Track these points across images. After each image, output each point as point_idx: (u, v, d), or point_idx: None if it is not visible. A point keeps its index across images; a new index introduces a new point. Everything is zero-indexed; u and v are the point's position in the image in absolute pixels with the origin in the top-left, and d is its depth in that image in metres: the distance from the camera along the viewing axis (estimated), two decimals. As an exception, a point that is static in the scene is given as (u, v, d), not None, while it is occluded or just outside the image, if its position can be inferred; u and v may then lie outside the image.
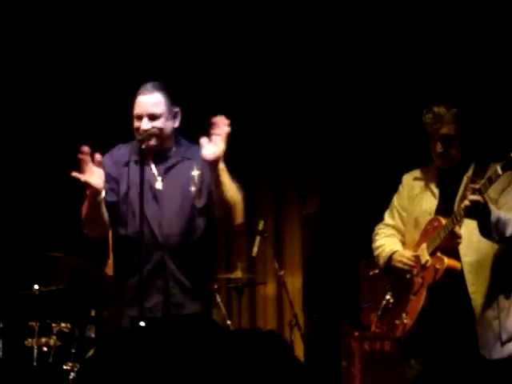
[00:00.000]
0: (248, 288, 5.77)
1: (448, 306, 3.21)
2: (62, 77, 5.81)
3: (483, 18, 4.87)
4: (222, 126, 3.20)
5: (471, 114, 3.34)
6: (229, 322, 5.16)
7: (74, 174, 3.04)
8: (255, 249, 5.25)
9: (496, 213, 3.05)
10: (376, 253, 3.51)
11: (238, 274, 5.28)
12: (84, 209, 3.21)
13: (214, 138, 3.16)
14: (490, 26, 4.85)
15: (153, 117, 3.23)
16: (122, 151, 3.36)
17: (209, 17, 5.70)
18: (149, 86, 3.28)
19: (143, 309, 2.98)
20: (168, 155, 3.32)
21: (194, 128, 3.25)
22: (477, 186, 3.03)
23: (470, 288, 3.15)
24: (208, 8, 5.65)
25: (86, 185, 3.06)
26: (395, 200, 3.53)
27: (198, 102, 5.92)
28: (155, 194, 3.26)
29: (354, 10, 5.41)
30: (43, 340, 4.28)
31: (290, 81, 5.83)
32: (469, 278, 3.15)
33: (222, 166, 3.21)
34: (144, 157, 3.10)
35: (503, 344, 3.14)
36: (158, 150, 3.27)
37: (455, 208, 3.21)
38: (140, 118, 3.24)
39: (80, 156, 3.07)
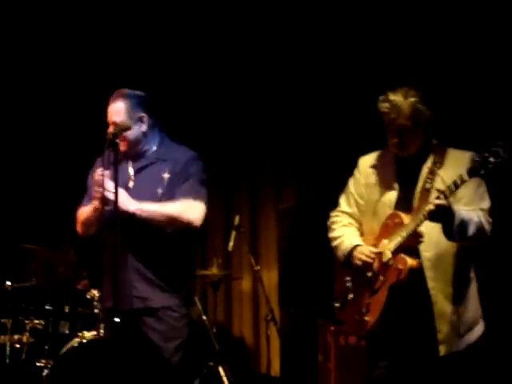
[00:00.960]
0: (224, 283, 5.74)
1: (408, 302, 3.19)
2: (54, 77, 5.79)
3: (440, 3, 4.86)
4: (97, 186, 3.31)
5: (430, 100, 3.22)
6: (204, 318, 5.13)
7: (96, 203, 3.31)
8: (231, 244, 5.24)
9: (459, 215, 3.03)
10: (334, 244, 3.44)
11: (214, 270, 5.25)
12: (86, 213, 3.43)
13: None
14: (449, 10, 4.82)
15: (115, 124, 3.38)
16: (108, 152, 3.52)
17: (191, 13, 5.69)
18: (115, 94, 3.45)
19: (116, 301, 3.16)
20: (145, 156, 3.47)
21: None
22: (442, 189, 2.99)
23: (430, 283, 3.13)
24: (194, 5, 5.64)
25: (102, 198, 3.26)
26: (351, 186, 3.45)
27: (176, 101, 5.94)
28: (129, 193, 3.39)
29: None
30: (16, 337, 4.25)
31: (264, 75, 5.80)
32: (428, 273, 3.14)
33: (132, 210, 3.32)
34: (116, 159, 3.24)
35: (461, 336, 3.16)
36: (136, 152, 3.46)
37: (415, 203, 3.17)
38: (108, 125, 3.44)
39: (97, 176, 3.27)
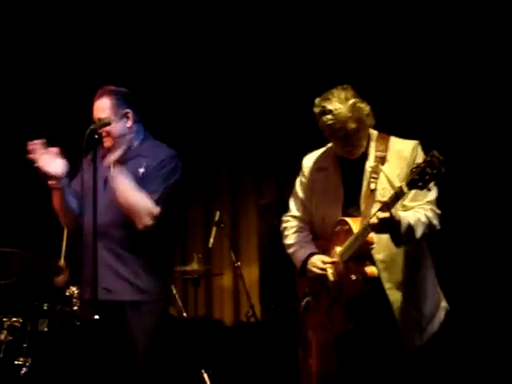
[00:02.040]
0: (204, 279, 5.73)
1: (368, 304, 3.17)
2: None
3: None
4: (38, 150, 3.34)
5: (361, 95, 3.12)
6: (185, 314, 5.11)
7: (31, 156, 3.30)
8: (211, 240, 5.22)
9: (405, 221, 2.99)
10: (288, 251, 3.41)
11: (194, 266, 5.23)
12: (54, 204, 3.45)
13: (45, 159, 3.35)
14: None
15: (100, 120, 3.42)
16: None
17: (181, 10, 5.67)
18: (100, 90, 3.50)
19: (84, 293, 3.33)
20: (127, 152, 3.46)
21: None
22: (384, 200, 2.94)
23: (386, 285, 3.12)
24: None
25: (46, 174, 3.30)
26: (298, 189, 3.41)
27: (158, 99, 5.91)
28: (106, 186, 3.44)
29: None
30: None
31: (244, 72, 5.80)
32: (383, 275, 3.12)
33: (113, 171, 3.36)
34: (94, 154, 3.28)
35: (423, 330, 3.16)
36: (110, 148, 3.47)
37: (362, 206, 3.14)
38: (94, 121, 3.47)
39: (30, 146, 3.29)
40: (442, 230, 3.15)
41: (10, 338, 4.23)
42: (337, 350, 3.34)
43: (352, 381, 3.27)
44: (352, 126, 3.06)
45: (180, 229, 6.10)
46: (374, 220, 2.95)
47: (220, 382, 5.22)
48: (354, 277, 3.10)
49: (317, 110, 3.12)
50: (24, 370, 4.05)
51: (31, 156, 3.30)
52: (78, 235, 3.51)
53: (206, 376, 4.93)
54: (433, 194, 3.12)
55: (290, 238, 3.41)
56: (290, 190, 5.72)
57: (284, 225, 3.48)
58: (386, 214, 2.92)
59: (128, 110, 3.50)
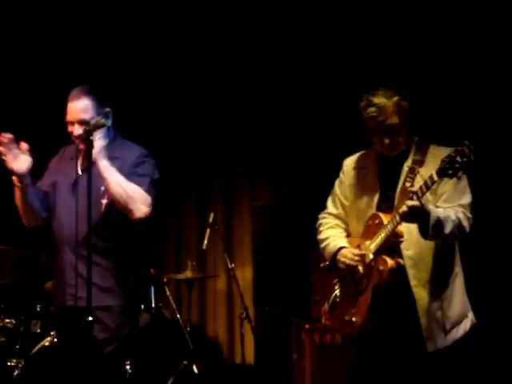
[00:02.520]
0: (198, 281, 5.73)
1: (393, 301, 3.21)
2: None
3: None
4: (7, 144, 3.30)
5: (408, 97, 3.25)
6: (178, 316, 5.11)
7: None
8: (205, 241, 5.21)
9: (435, 214, 3.05)
10: (321, 246, 3.47)
11: (188, 273, 5.22)
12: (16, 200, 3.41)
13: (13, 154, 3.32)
14: (422, 6, 4.88)
15: (83, 122, 3.32)
16: (68, 147, 3.57)
17: (170, 10, 5.66)
18: (76, 91, 3.39)
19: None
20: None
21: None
22: (414, 190, 3.01)
23: (412, 282, 3.16)
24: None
25: (10, 169, 3.27)
26: (337, 188, 3.49)
27: (153, 100, 5.90)
28: (75, 190, 3.37)
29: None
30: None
31: (239, 75, 5.79)
32: (410, 272, 3.16)
33: (102, 163, 3.29)
34: (90, 157, 3.18)
35: (447, 333, 3.19)
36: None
37: (395, 202, 3.19)
38: (71, 123, 3.38)
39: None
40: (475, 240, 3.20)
41: (3, 339, 4.22)
42: (356, 347, 3.37)
43: (370, 377, 3.28)
44: (394, 120, 3.18)
45: (174, 231, 6.16)
46: (403, 208, 3.00)
47: (214, 382, 5.23)
48: (381, 267, 3.15)
49: (363, 103, 3.26)
50: (17, 371, 4.04)
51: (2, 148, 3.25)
52: (48, 238, 3.47)
53: (194, 367, 4.94)
54: (467, 199, 3.20)
55: (324, 234, 3.47)
56: (284, 192, 5.80)
57: (320, 221, 3.54)
58: (416, 202, 2.99)
59: (109, 109, 3.43)
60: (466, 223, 3.15)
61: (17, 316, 4.24)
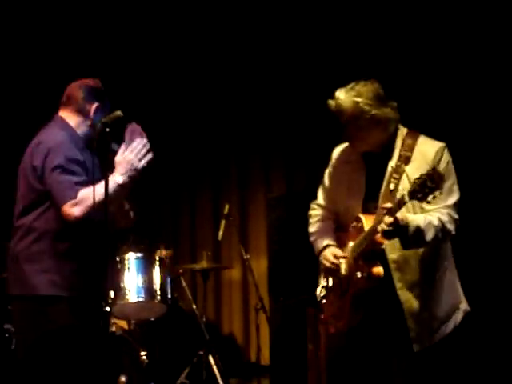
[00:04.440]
0: (213, 272, 5.74)
1: (378, 303, 3.19)
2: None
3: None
4: None
5: (390, 93, 3.14)
6: (194, 307, 5.13)
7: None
8: (220, 232, 5.23)
9: (414, 224, 3.00)
10: (310, 239, 3.48)
11: (204, 264, 5.23)
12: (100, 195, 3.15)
13: None
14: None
15: None
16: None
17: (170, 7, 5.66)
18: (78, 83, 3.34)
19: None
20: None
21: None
22: (387, 206, 2.95)
23: (397, 284, 3.13)
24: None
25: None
26: (326, 180, 3.44)
27: (167, 92, 5.91)
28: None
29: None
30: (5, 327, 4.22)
31: (252, 66, 5.80)
32: (395, 274, 3.13)
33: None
34: (107, 148, 3.15)
35: (435, 332, 3.16)
36: None
37: (380, 204, 3.13)
38: None
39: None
40: (464, 231, 3.15)
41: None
42: (348, 343, 3.34)
43: (358, 374, 3.28)
44: (346, 119, 3.12)
45: (189, 223, 6.18)
46: (382, 226, 2.97)
47: (226, 373, 5.25)
48: (359, 274, 3.14)
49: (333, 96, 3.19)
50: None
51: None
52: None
53: (210, 358, 4.96)
54: (453, 199, 3.13)
55: (313, 227, 3.48)
56: (298, 183, 5.80)
57: (310, 212, 3.54)
58: (391, 219, 2.94)
59: (97, 104, 3.32)
60: (450, 226, 3.09)
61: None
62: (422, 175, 2.81)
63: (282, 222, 5.59)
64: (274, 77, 5.76)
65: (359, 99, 3.09)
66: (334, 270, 3.29)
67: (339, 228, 3.42)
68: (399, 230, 2.98)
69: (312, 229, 3.48)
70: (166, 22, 5.77)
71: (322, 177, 3.49)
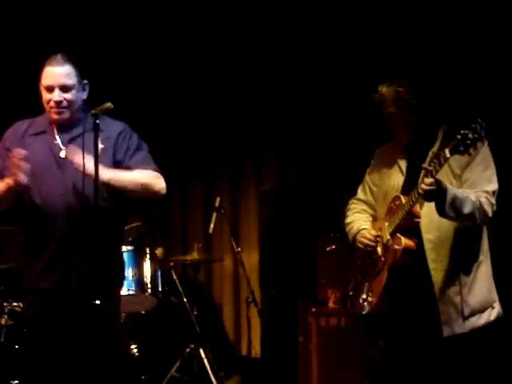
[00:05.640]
0: (204, 265, 5.74)
1: (409, 283, 3.22)
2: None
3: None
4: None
5: (423, 86, 3.29)
6: (185, 300, 5.12)
7: (10, 182, 3.19)
8: (212, 225, 5.22)
9: (452, 192, 3.04)
10: (346, 229, 3.53)
11: (195, 255, 5.22)
12: None
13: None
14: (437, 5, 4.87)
15: (65, 88, 3.25)
16: (24, 126, 3.39)
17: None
18: (59, 57, 3.28)
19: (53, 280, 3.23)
20: (74, 126, 3.32)
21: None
22: (428, 168, 3.01)
23: (431, 265, 3.15)
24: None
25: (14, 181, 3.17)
26: (367, 174, 3.55)
27: (158, 87, 5.89)
28: (60, 164, 3.28)
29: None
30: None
31: (245, 61, 5.77)
32: (430, 255, 3.16)
33: (106, 176, 3.18)
34: (96, 140, 3.08)
35: (466, 319, 3.16)
36: (70, 121, 3.30)
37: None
38: (51, 89, 3.26)
39: (13, 160, 3.15)
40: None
41: (11, 322, 4.24)
42: (370, 329, 3.39)
43: (385, 359, 3.30)
44: (390, 109, 3.27)
45: (180, 215, 6.16)
46: (421, 186, 3.02)
47: (224, 366, 5.25)
48: (396, 246, 3.18)
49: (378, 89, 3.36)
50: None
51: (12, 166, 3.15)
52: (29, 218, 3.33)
53: (201, 350, 4.95)
54: (492, 186, 3.19)
55: (349, 218, 3.54)
56: (290, 176, 5.79)
57: (348, 206, 3.61)
58: (431, 179, 2.99)
59: (86, 81, 3.34)
60: (488, 208, 3.13)
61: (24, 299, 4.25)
62: (463, 130, 2.89)
63: (273, 215, 5.60)
64: (265, 70, 5.74)
65: (401, 88, 3.26)
66: (369, 251, 3.34)
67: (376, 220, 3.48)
68: (438, 192, 3.02)
69: (348, 220, 3.54)
70: (166, 17, 5.72)
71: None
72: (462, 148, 2.90)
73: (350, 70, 5.32)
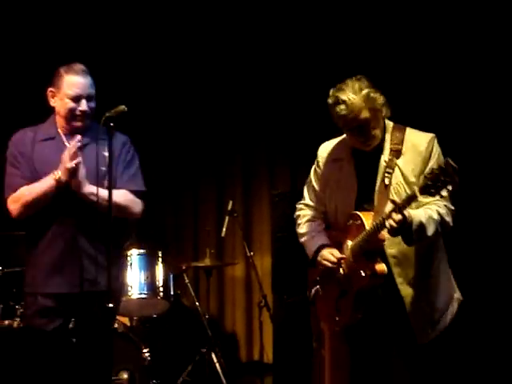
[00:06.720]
0: (216, 269, 5.71)
1: (379, 299, 3.17)
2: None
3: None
4: None
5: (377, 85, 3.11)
6: (197, 304, 5.10)
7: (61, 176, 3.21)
8: (224, 229, 5.20)
9: (416, 220, 2.98)
10: (301, 240, 3.43)
11: (207, 261, 5.20)
12: (35, 192, 3.27)
13: None
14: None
15: (90, 98, 3.33)
16: (29, 134, 3.42)
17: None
18: (81, 66, 3.34)
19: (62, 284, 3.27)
20: (85, 134, 3.35)
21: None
22: (397, 202, 2.91)
23: (398, 279, 3.12)
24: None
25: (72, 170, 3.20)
26: (313, 179, 3.40)
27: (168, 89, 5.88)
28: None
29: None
30: (6, 322, 4.20)
31: (254, 62, 5.77)
32: (395, 270, 3.12)
33: (85, 192, 3.25)
34: (110, 143, 3.13)
35: (437, 323, 3.17)
36: (82, 128, 3.35)
37: (375, 201, 3.11)
38: (78, 99, 3.31)
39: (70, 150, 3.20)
40: (457, 223, 3.14)
41: (22, 325, 4.23)
42: (348, 341, 3.33)
43: (363, 372, 3.26)
44: (365, 115, 3.05)
45: (193, 219, 6.15)
46: (390, 223, 2.93)
47: (229, 371, 5.22)
48: (363, 273, 3.11)
49: (330, 100, 3.12)
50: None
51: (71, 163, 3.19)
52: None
53: (213, 355, 4.93)
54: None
55: (302, 227, 3.42)
56: (303, 179, 5.70)
57: (297, 213, 3.49)
58: (400, 217, 2.91)
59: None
60: (448, 218, 3.09)
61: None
62: (433, 170, 2.77)
63: (286, 218, 5.55)
64: (279, 71, 5.74)
65: (367, 90, 3.05)
66: (331, 271, 3.25)
67: (328, 227, 3.39)
68: (405, 228, 2.96)
69: (302, 230, 3.43)
70: (168, 16, 5.74)
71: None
72: (432, 190, 2.77)
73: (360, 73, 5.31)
